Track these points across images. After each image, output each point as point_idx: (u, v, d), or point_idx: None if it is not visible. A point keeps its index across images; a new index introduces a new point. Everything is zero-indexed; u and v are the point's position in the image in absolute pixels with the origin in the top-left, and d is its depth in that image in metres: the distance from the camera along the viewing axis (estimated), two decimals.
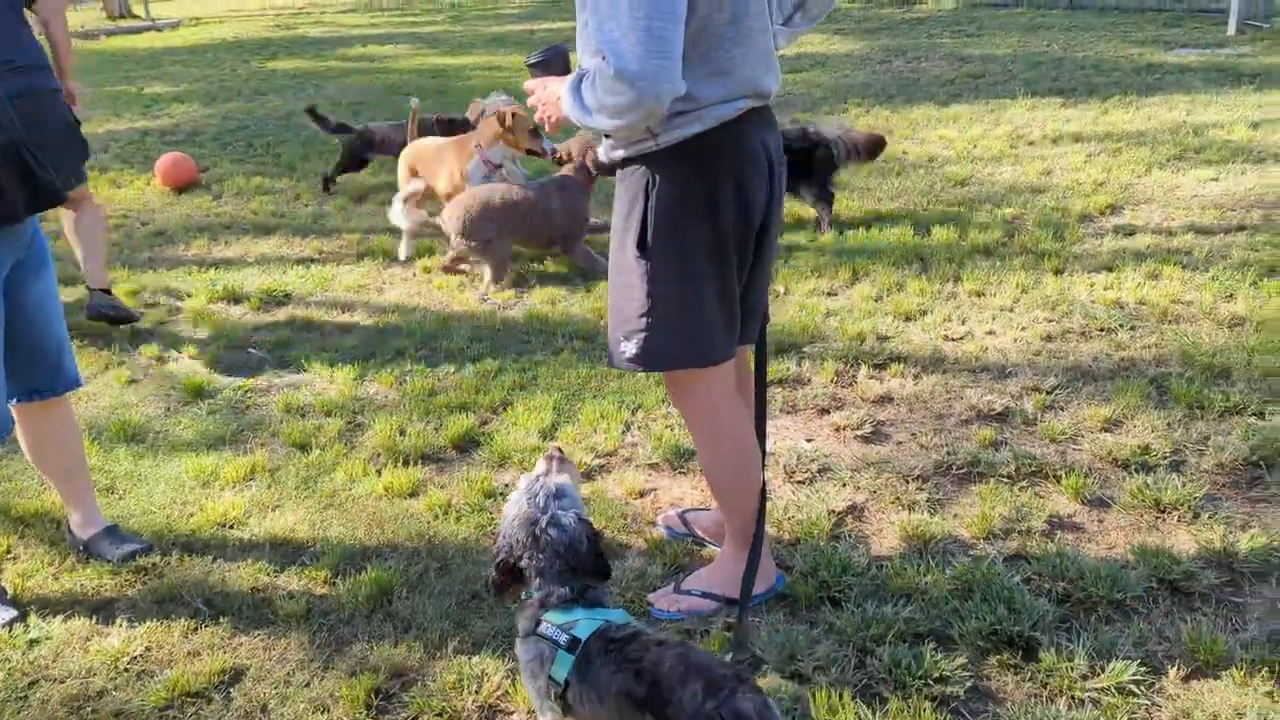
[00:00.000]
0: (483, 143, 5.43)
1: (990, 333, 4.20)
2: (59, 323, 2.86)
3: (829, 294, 4.74)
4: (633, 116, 1.98)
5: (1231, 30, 10.72)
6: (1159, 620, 2.47)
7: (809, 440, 3.49)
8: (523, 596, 2.06)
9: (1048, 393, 3.64)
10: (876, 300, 4.61)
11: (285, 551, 3.01)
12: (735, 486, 2.56)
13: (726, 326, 2.38)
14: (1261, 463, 3.09)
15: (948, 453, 3.30)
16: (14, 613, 2.73)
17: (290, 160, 8.05)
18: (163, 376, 4.32)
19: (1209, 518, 2.84)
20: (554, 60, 2.34)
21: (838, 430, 3.53)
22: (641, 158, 2.22)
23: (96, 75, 13.26)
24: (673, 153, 2.18)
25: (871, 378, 3.89)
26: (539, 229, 5.13)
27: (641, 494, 3.20)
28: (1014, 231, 5.32)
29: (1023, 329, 4.19)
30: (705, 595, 2.64)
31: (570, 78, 2.12)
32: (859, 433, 3.49)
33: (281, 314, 4.97)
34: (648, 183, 2.22)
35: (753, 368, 2.63)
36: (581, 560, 2.06)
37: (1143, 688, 2.25)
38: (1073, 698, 2.24)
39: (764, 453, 2.62)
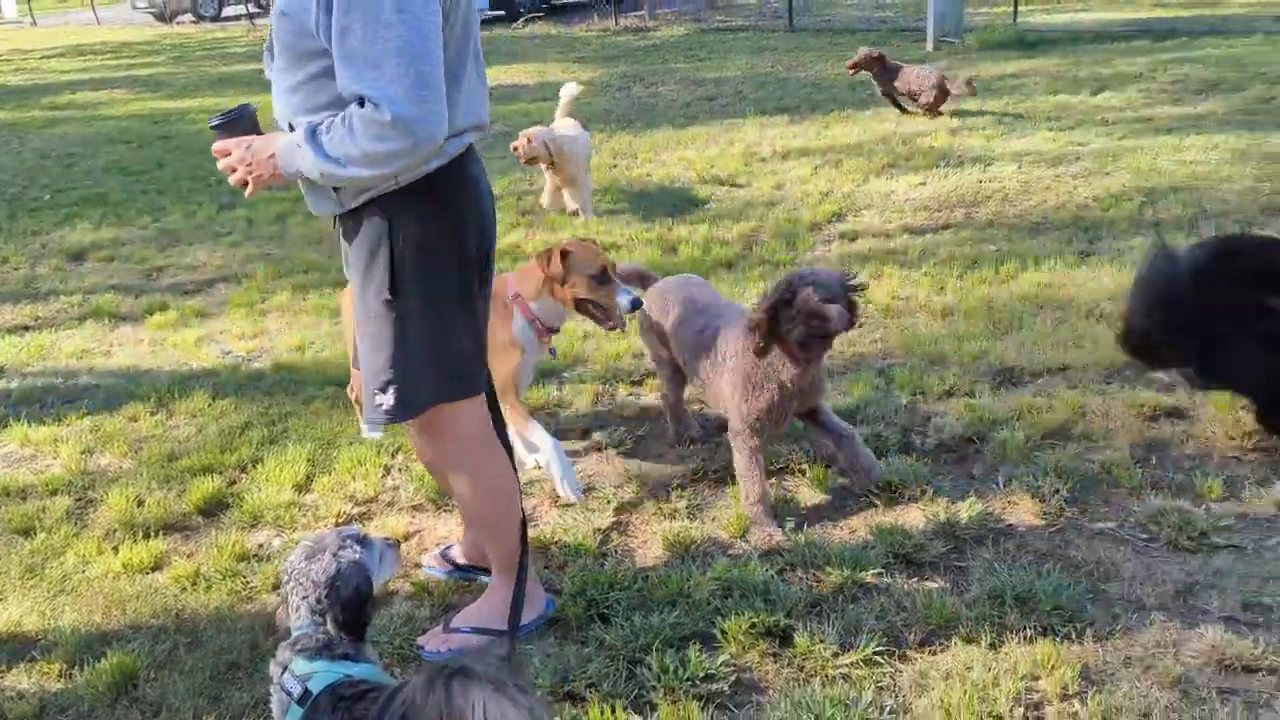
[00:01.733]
0: (525, 294, 3.24)
1: None
2: None
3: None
4: (402, 161, 2.00)
5: (929, 47, 11.80)
6: (897, 593, 2.67)
7: (574, 463, 3.53)
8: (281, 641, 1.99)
9: None
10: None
11: (12, 648, 2.73)
12: (501, 519, 2.55)
13: (478, 356, 2.41)
14: (974, 437, 3.41)
15: (702, 459, 3.44)
16: None
17: None
18: None
19: (934, 493, 3.10)
20: (243, 120, 2.21)
21: (600, 450, 3.60)
22: (378, 201, 2.16)
23: None
24: (410, 192, 2.16)
25: (630, 395, 4.00)
26: None
27: (406, 536, 3.14)
28: (752, 244, 5.62)
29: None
30: (476, 630, 2.62)
31: (295, 134, 2.06)
32: (620, 450, 3.57)
33: None
34: (390, 225, 2.17)
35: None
36: (344, 608, 2.00)
37: (886, 657, 2.43)
38: (826, 676, 2.39)
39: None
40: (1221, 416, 3.38)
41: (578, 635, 2.62)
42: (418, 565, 2.98)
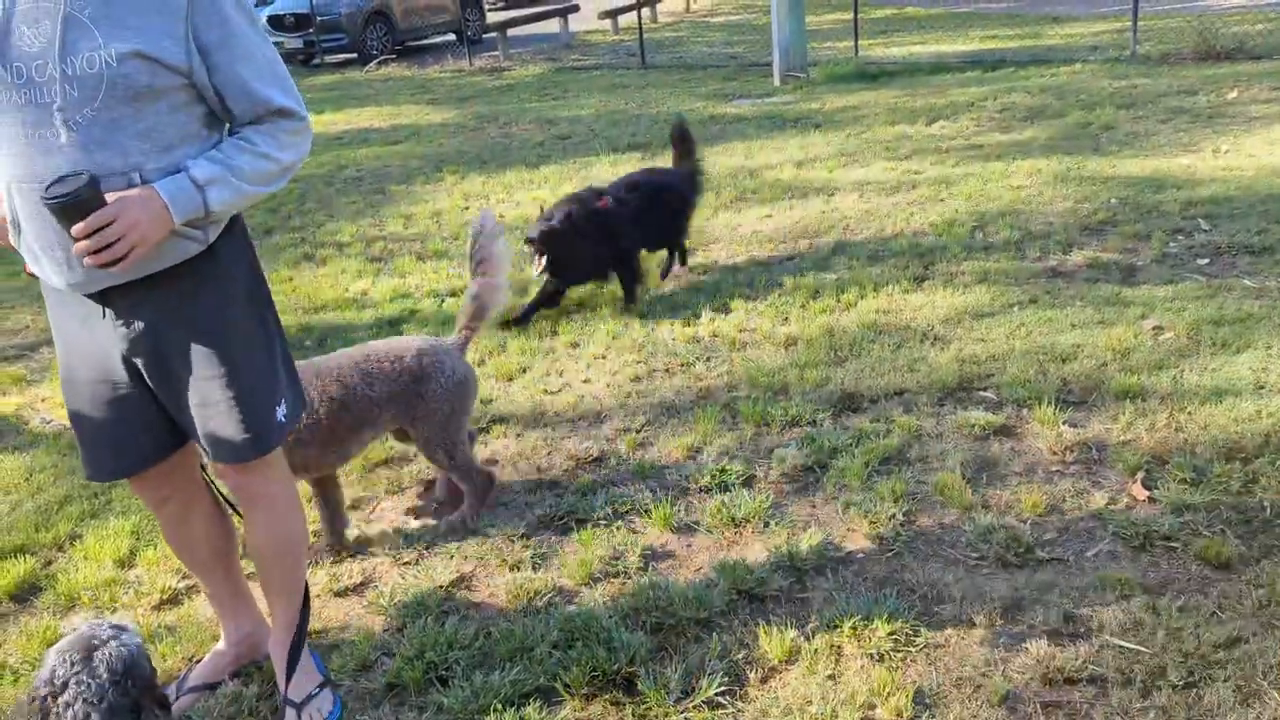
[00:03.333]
0: None
1: (586, 381, 4.40)
2: None
3: None
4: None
5: (777, 81, 12.15)
6: (739, 629, 2.67)
7: (416, 518, 3.44)
8: None
9: (638, 431, 3.86)
10: (479, 364, 4.67)
11: None
12: (297, 570, 2.53)
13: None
14: (815, 466, 3.46)
15: (550, 506, 3.38)
16: None
17: None
18: None
19: (776, 524, 3.13)
20: (91, 187, 1.87)
21: (441, 504, 3.51)
22: (234, 227, 2.23)
23: None
24: (229, 226, 2.21)
25: (477, 443, 3.92)
26: None
27: None
28: (602, 283, 5.62)
29: (614, 373, 4.42)
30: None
31: (179, 177, 1.99)
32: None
33: None
34: (246, 247, 2.28)
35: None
36: (153, 689, 1.89)
37: (728, 697, 2.42)
38: None
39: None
40: (1044, 431, 3.53)
41: (415, 700, 2.53)
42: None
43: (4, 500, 3.74)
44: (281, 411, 2.31)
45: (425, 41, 20.33)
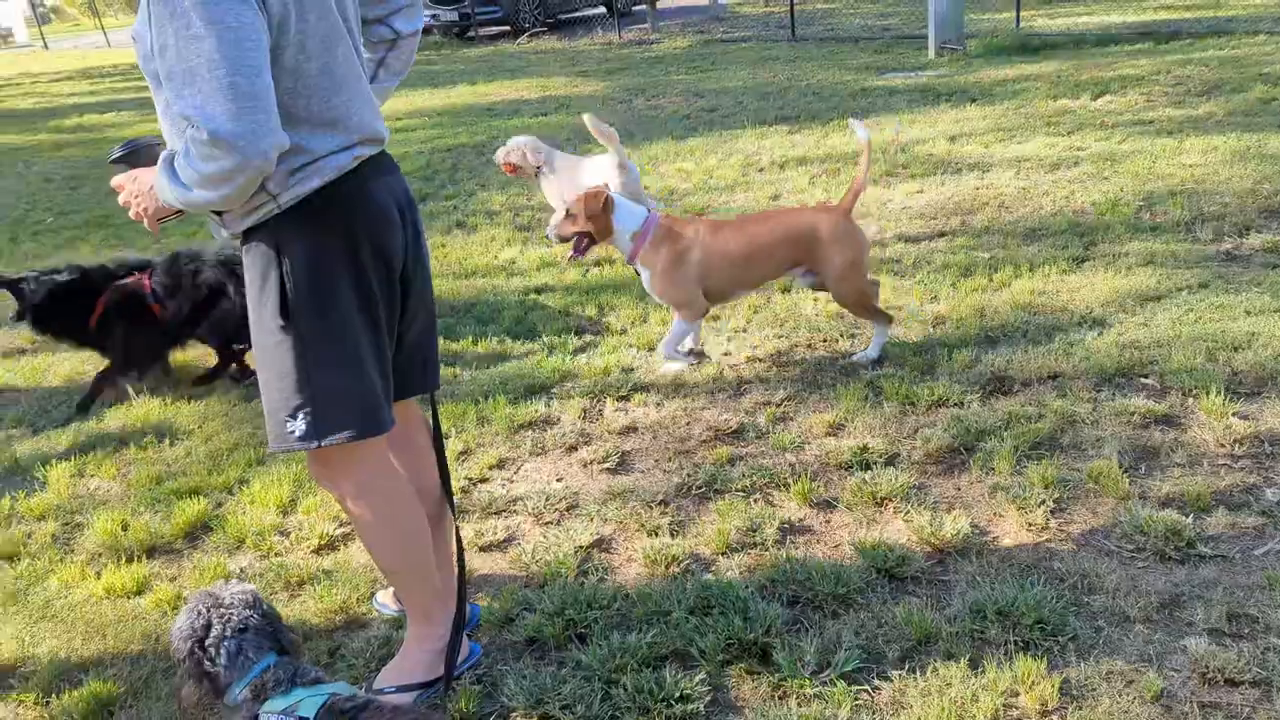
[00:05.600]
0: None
1: (726, 354, 4.39)
2: None
3: (576, 332, 4.81)
4: (239, 180, 1.87)
5: (931, 54, 11.77)
6: (878, 608, 2.64)
7: (559, 480, 3.52)
8: (227, 702, 1.95)
9: (778, 405, 3.84)
10: (622, 334, 4.73)
11: None
12: (411, 561, 2.42)
13: (385, 390, 2.27)
14: (962, 448, 3.37)
15: (688, 475, 3.41)
16: None
17: None
18: None
19: (919, 505, 3.07)
20: (140, 153, 2.22)
21: (585, 465, 3.58)
22: (264, 225, 2.09)
23: None
24: (297, 212, 2.08)
25: (617, 410, 3.98)
26: None
27: None
28: None
29: (755, 347, 4.40)
30: (400, 689, 2.47)
31: (161, 162, 2.00)
32: (605, 466, 3.55)
33: None
34: (277, 249, 2.09)
35: (429, 420, 2.58)
36: (283, 624, 2.00)
37: (864, 675, 2.40)
38: (803, 694, 2.36)
39: (453, 510, 2.60)
40: (1212, 423, 3.33)
41: (554, 656, 2.60)
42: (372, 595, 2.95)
43: (181, 445, 4.01)
44: (296, 426, 2.16)
45: (576, 14, 20.54)
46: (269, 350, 2.16)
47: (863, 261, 4.00)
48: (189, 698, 1.94)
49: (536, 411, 3.99)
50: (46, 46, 26.79)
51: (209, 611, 1.94)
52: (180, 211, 2.10)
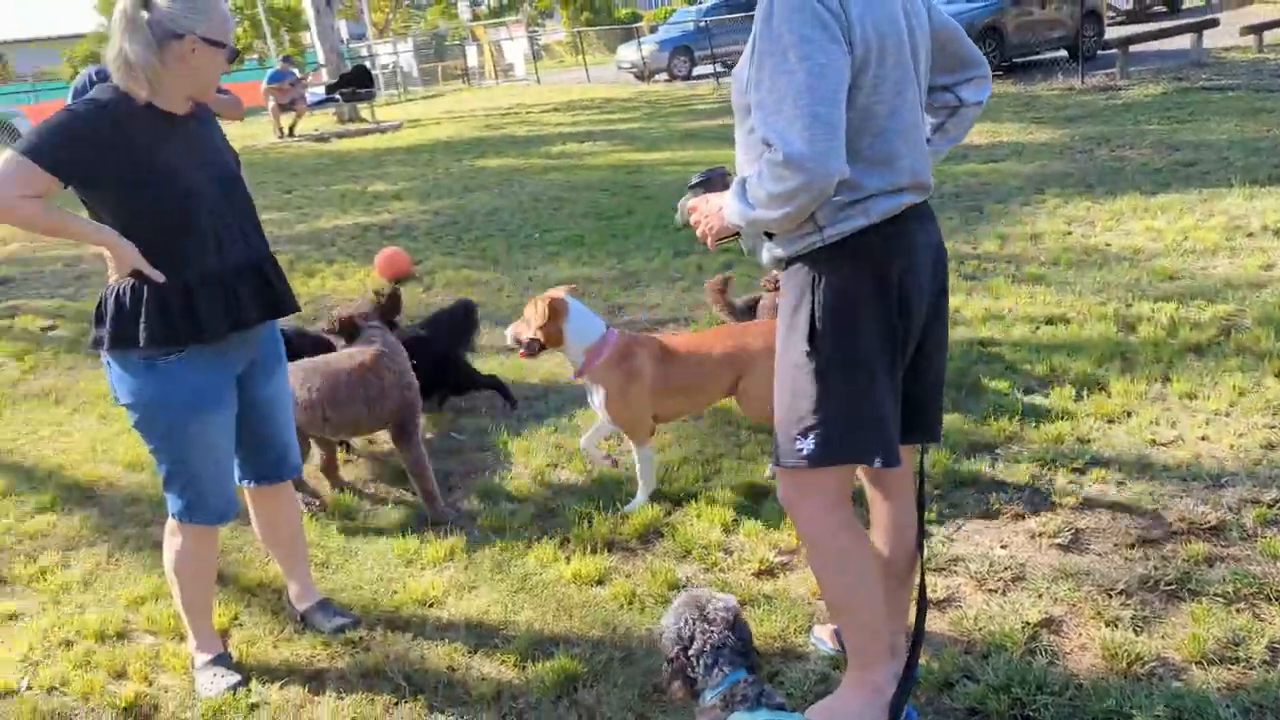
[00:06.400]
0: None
1: (1203, 438, 3.96)
2: (288, 417, 3.13)
3: (1025, 391, 4.59)
4: (802, 200, 2.03)
5: None
6: None
7: (1003, 546, 3.37)
8: (699, 702, 2.09)
9: (1269, 505, 3.38)
10: (1076, 400, 4.43)
11: (479, 633, 3.16)
12: (857, 602, 2.44)
13: (894, 429, 2.34)
14: None
15: (1155, 567, 3.11)
16: (238, 678, 2.98)
17: (495, 254, 8.55)
18: (371, 459, 4.64)
19: None
20: (715, 180, 2.46)
21: (1033, 537, 3.40)
22: (804, 257, 2.26)
23: (326, 175, 14.55)
24: (838, 248, 2.22)
25: (1071, 483, 3.73)
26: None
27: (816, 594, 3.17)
28: (1230, 329, 5.01)
29: (1240, 435, 3.92)
30: None
31: (734, 184, 2.23)
32: (1056, 541, 3.35)
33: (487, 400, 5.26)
34: (813, 280, 2.25)
35: (915, 467, 2.59)
36: (747, 648, 2.10)
37: None
38: None
39: (921, 554, 2.58)
40: None
41: None
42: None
43: None
44: (806, 445, 2.31)
45: (1034, 58, 19.64)
46: (791, 371, 2.33)
47: None
48: (677, 692, 2.12)
49: (980, 470, 3.85)
50: (539, 80, 30.48)
51: (694, 624, 2.10)
52: (737, 234, 2.33)
